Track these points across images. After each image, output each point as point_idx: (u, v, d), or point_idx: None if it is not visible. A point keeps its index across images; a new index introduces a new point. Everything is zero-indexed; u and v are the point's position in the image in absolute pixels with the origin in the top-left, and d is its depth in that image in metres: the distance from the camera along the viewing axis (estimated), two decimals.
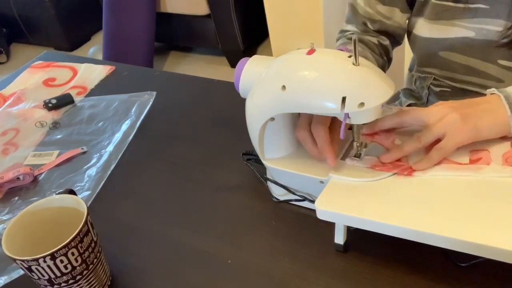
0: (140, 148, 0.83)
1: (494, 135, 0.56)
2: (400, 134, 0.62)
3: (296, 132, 0.61)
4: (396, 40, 0.86)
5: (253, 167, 0.70)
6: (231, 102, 0.87)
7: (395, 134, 0.62)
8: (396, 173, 0.57)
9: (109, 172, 0.78)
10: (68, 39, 2.90)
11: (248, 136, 0.64)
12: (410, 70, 0.97)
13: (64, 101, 0.97)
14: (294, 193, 0.64)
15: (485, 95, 0.72)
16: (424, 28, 0.78)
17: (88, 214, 0.53)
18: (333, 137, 0.59)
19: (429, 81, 0.86)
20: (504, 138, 0.57)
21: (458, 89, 0.82)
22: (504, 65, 0.71)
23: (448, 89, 0.84)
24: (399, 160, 0.59)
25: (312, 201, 0.60)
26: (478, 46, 0.72)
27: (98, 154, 0.82)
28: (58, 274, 0.51)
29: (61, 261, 0.51)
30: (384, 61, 0.83)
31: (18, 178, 0.77)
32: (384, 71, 0.81)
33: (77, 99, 0.98)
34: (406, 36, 0.86)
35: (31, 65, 1.12)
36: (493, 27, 0.69)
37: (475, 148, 0.57)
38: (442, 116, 0.55)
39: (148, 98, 0.94)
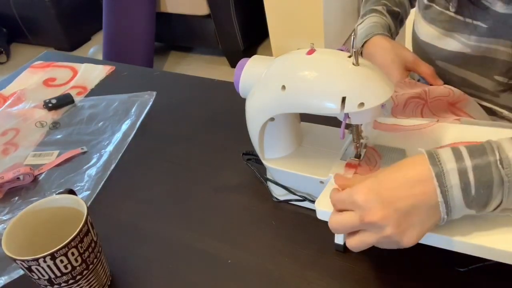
0: (140, 148, 0.83)
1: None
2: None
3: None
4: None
5: (253, 167, 0.70)
6: (231, 102, 0.87)
7: (380, 159, 0.60)
8: None
9: (109, 172, 0.78)
10: (68, 39, 2.90)
11: (248, 136, 0.64)
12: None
13: (64, 101, 0.97)
14: (294, 193, 0.64)
15: (481, 106, 0.72)
16: (425, 31, 0.78)
17: (88, 214, 0.53)
18: None
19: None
20: None
21: None
22: (500, 81, 0.71)
23: None
24: None
25: (312, 201, 0.60)
26: (474, 62, 0.73)
27: (98, 154, 0.82)
28: (58, 274, 0.51)
29: (61, 261, 0.51)
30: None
31: (18, 178, 0.77)
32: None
33: (77, 99, 0.98)
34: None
35: (31, 65, 1.12)
36: (491, 46, 0.69)
37: None
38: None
39: (148, 98, 0.94)
